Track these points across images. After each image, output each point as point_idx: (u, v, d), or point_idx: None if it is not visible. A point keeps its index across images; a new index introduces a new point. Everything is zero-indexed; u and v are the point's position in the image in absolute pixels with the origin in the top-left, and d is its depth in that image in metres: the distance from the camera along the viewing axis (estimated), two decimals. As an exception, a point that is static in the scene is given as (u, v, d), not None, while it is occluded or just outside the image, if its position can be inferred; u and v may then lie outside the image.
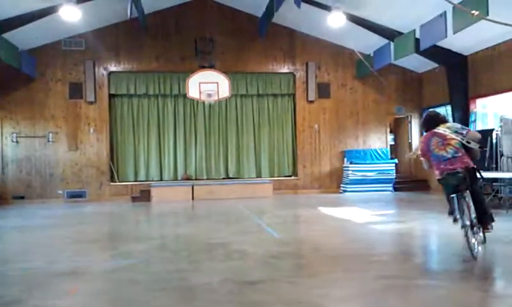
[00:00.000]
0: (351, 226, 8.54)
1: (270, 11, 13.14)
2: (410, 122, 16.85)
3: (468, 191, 5.25)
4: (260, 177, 16.05)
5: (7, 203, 14.19)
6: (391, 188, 15.31)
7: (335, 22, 12.92)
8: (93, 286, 4.77)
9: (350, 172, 15.29)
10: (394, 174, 15.46)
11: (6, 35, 12.14)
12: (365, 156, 15.73)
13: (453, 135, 5.44)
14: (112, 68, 15.24)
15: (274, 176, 16.07)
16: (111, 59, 15.19)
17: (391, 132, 17.38)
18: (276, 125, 16.36)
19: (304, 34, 15.84)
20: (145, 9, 13.46)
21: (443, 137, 5.47)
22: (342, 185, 15.67)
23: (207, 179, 15.76)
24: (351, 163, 15.49)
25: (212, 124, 16.06)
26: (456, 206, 5.20)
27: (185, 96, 14.78)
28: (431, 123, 5.77)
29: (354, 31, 13.60)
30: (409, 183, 15.81)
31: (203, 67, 14.48)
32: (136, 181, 15.47)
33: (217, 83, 13.95)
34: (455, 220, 5.20)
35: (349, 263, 5.49)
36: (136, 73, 15.38)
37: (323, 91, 16.12)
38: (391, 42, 13.14)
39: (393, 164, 15.51)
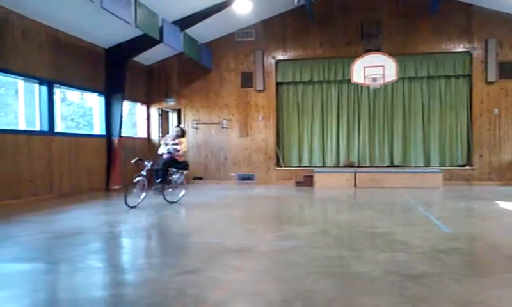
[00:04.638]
0: (537, 224, 7.50)
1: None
2: None
3: None
4: (429, 166, 15.08)
5: (188, 183, 15.94)
6: None
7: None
8: (259, 264, 5.08)
9: (538, 162, 13.38)
10: None
11: (188, 31, 13.54)
12: (558, 144, 13.59)
13: None
14: (280, 56, 15.83)
15: (444, 166, 14.95)
16: (278, 47, 15.80)
17: None
18: (448, 110, 15.14)
19: (483, 8, 14.26)
20: (311, -4, 13.64)
21: None
22: (527, 177, 13.81)
23: (370, 166, 15.40)
24: (539, 152, 13.54)
25: (377, 109, 15.59)
26: None
27: (349, 81, 14.65)
28: None
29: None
30: None
31: (368, 51, 14.14)
32: (299, 166, 15.94)
33: (383, 66, 13.49)
34: None
35: (532, 266, 4.84)
36: (301, 60, 15.73)
37: (506, 70, 14.35)
38: None
39: None
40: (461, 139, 15.10)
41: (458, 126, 15.10)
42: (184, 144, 10.32)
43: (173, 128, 11.89)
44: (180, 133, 10.40)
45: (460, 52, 14.80)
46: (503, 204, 9.67)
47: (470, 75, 14.84)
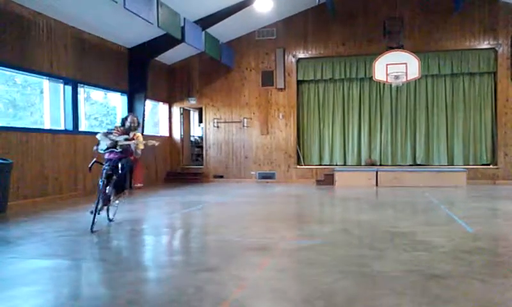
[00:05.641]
0: None
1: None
2: None
3: None
4: (452, 165, 14.84)
5: (208, 181, 16.08)
6: None
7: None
8: (279, 263, 5.10)
9: None
10: None
11: (209, 30, 13.62)
12: None
13: None
14: (300, 54, 15.79)
15: (468, 164, 14.69)
16: (299, 46, 15.75)
17: None
18: (472, 107, 14.87)
19: (509, 3, 13.96)
20: (332, -6, 13.56)
21: None
22: (555, 177, 13.48)
23: (392, 165, 15.24)
24: None
25: (399, 107, 15.42)
26: None
27: (371, 79, 14.53)
28: None
29: None
30: None
31: (391, 48, 13.97)
32: (320, 165, 15.88)
33: (406, 64, 13.31)
34: None
35: (559, 268, 4.73)
36: (322, 58, 15.66)
37: (532, 67, 14.00)
38: None
39: None
40: (486, 137, 14.81)
41: (482, 125, 14.82)
42: (141, 139, 7.42)
43: (129, 119, 7.49)
44: (136, 124, 7.54)
45: (485, 49, 14.52)
46: (529, 204, 9.45)
47: (494, 72, 14.55)
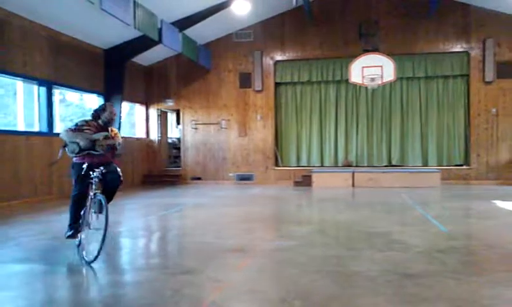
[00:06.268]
0: (533, 223, 7.56)
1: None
2: None
3: None
4: (427, 166, 15.13)
5: (186, 183, 16.01)
6: None
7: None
8: (258, 264, 5.12)
9: (536, 162, 13.44)
10: None
11: (187, 31, 13.57)
12: (555, 144, 13.65)
13: None
14: (278, 57, 15.87)
15: (442, 165, 15.01)
16: (277, 48, 15.83)
17: None
18: (446, 109, 15.20)
19: (481, 7, 14.31)
20: (309, -4, 13.69)
21: None
22: (524, 177, 13.87)
23: (368, 166, 15.45)
24: (537, 152, 13.59)
25: (375, 109, 15.65)
26: None
27: (347, 81, 14.69)
28: None
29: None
30: None
31: (366, 51, 14.17)
32: (298, 166, 15.98)
33: (381, 66, 13.53)
34: None
35: (528, 265, 4.88)
36: (300, 61, 15.77)
37: (503, 70, 14.40)
38: None
39: None
40: (459, 138, 15.15)
41: (456, 126, 15.15)
42: (119, 137, 5.72)
43: (107, 110, 5.56)
44: (115, 117, 5.74)
45: (458, 52, 14.85)
46: (500, 204, 9.71)
47: (467, 75, 14.90)
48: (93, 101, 14.10)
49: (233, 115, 16.14)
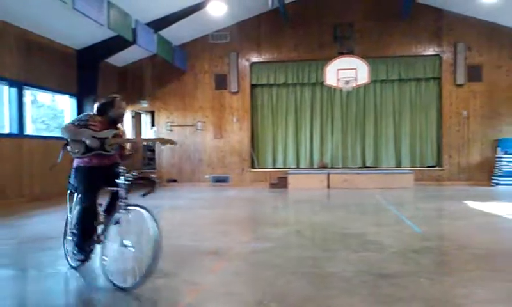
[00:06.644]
0: (502, 222, 7.76)
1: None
2: None
3: None
4: (400, 167, 15.37)
5: (162, 185, 15.84)
6: (556, 183, 13.45)
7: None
8: (233, 266, 5.09)
9: (504, 163, 13.82)
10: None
11: (162, 32, 13.45)
12: (523, 145, 14.06)
13: None
14: (254, 59, 15.88)
15: (415, 166, 15.26)
16: (253, 50, 15.84)
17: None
18: (418, 112, 15.48)
19: (453, 12, 14.63)
20: (285, -1, 13.74)
21: None
22: (493, 178, 14.23)
23: (343, 167, 15.59)
24: (505, 153, 13.96)
25: (350, 111, 15.81)
26: None
27: (322, 83, 14.80)
28: None
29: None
30: None
31: (341, 53, 14.31)
32: (274, 168, 16.01)
33: (356, 69, 13.68)
34: None
35: (497, 263, 5.00)
36: (275, 63, 15.81)
37: (474, 73, 14.74)
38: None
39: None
40: (431, 140, 15.44)
41: (428, 128, 15.44)
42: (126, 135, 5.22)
43: (116, 104, 4.79)
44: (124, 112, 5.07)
45: (430, 55, 15.14)
46: (472, 204, 9.93)
47: (439, 78, 15.20)
48: (66, 102, 13.82)
49: (209, 117, 16.07)
